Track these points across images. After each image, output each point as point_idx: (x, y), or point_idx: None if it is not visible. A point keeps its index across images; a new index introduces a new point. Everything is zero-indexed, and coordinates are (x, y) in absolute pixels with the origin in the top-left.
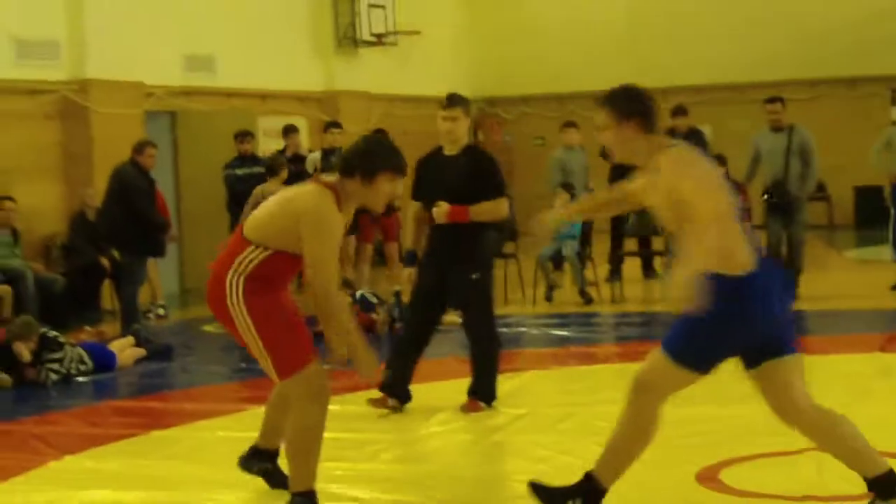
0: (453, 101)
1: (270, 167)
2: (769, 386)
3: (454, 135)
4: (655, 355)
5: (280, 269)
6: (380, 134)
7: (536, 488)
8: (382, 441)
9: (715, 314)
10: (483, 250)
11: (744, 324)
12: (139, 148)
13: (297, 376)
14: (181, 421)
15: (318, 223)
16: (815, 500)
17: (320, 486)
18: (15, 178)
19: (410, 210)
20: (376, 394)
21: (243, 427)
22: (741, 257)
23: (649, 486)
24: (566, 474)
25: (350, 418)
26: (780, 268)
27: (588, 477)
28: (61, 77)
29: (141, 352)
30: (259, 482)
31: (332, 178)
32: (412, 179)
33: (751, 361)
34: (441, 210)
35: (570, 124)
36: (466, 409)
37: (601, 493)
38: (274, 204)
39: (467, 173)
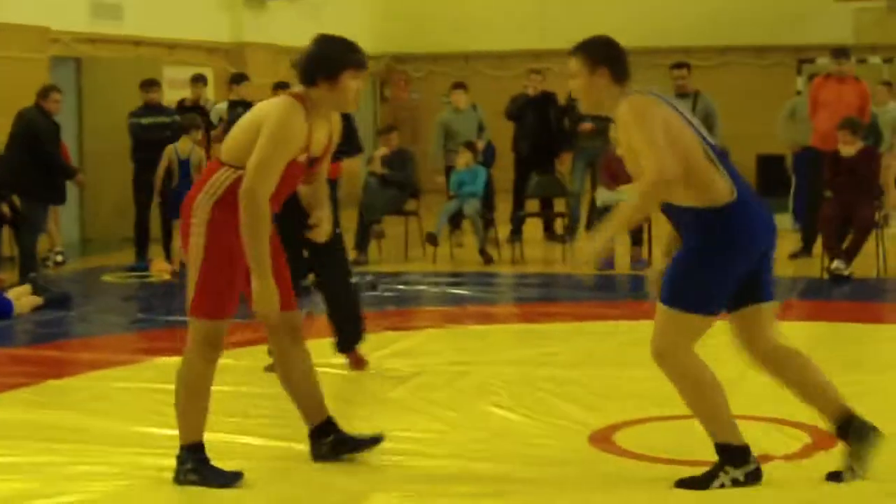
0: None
1: (183, 126)
2: (746, 328)
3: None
4: (659, 317)
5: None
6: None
7: (683, 483)
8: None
9: (707, 248)
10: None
11: (737, 252)
12: (44, 93)
13: (203, 323)
14: (78, 371)
15: (272, 127)
16: (704, 463)
17: (213, 437)
18: None
19: None
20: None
21: (141, 378)
22: (721, 188)
23: (542, 447)
24: (460, 431)
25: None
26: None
27: (722, 448)
28: None
29: (38, 300)
30: (153, 435)
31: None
32: None
33: (732, 304)
34: None
35: (458, 85)
36: (354, 366)
37: (741, 448)
38: (244, 120)
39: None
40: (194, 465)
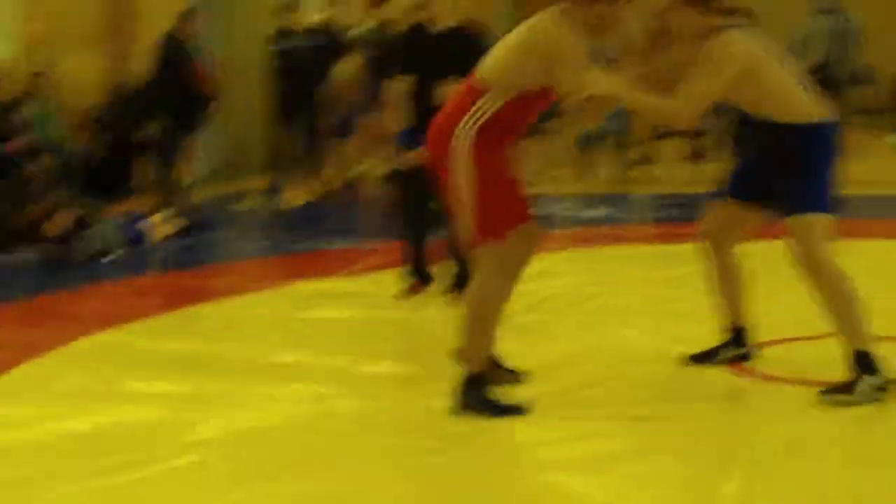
0: None
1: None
2: (736, 220)
3: (433, 8)
4: (798, 230)
5: (518, 116)
6: None
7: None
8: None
9: (819, 156)
10: None
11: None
12: (182, 17)
13: (495, 246)
14: (215, 296)
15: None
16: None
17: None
18: (58, 48)
19: (404, 85)
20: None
21: (280, 305)
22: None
23: (675, 371)
24: (593, 355)
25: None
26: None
27: (858, 355)
28: None
29: (176, 225)
30: (282, 360)
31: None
32: (397, 54)
33: (748, 194)
34: (441, 92)
35: None
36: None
37: (866, 355)
38: (512, 41)
39: (463, 50)
40: (477, 395)
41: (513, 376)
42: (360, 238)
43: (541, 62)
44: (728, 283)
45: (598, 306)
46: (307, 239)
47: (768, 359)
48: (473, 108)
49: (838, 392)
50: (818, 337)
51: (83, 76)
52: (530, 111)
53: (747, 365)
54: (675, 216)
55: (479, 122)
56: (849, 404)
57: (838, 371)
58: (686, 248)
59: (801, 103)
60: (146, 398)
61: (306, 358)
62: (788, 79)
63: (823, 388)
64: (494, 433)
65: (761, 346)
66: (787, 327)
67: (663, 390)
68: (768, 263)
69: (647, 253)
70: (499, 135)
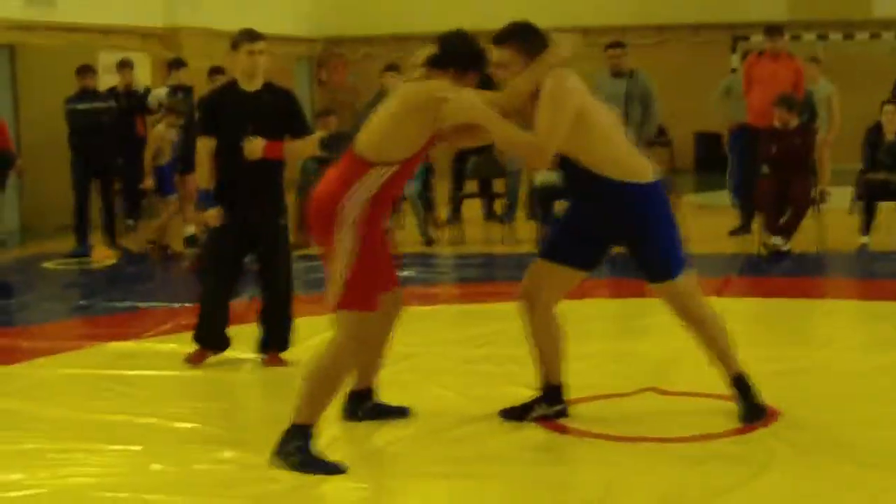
0: (258, 34)
1: (171, 108)
2: (559, 283)
3: (259, 68)
4: (667, 295)
5: (397, 185)
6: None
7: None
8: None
9: (662, 216)
10: (283, 193)
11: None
12: None
13: (354, 315)
14: (21, 358)
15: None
16: (646, 440)
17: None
18: None
19: (204, 147)
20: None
21: (85, 364)
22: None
23: (482, 425)
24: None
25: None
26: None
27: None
28: None
29: None
30: (96, 418)
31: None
32: (205, 113)
33: (572, 258)
34: (256, 146)
35: (390, 67)
36: (273, 363)
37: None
38: (385, 114)
39: (273, 110)
40: (299, 446)
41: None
42: (171, 298)
43: (428, 109)
44: (545, 342)
45: (412, 366)
46: (117, 300)
47: (581, 416)
48: (361, 181)
49: (750, 416)
50: (626, 394)
51: None
52: (410, 173)
53: (560, 421)
54: (478, 276)
55: (370, 194)
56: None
57: (646, 425)
58: (489, 308)
59: (638, 162)
60: None
61: (119, 417)
62: (617, 133)
63: (739, 417)
64: (307, 490)
65: (574, 402)
66: (598, 385)
67: (476, 448)
68: (577, 323)
69: (454, 312)
70: (381, 205)
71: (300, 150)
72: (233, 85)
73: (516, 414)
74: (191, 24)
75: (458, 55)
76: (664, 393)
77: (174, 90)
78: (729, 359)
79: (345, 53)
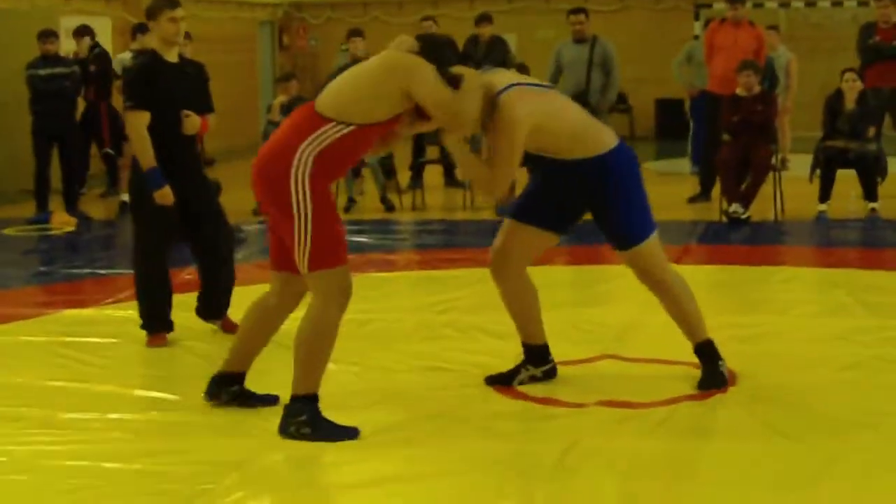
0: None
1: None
2: (528, 245)
3: (181, 36)
4: (633, 262)
5: (353, 149)
6: None
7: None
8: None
9: (627, 181)
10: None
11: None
12: None
13: (328, 272)
14: None
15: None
16: (605, 405)
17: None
18: None
19: (139, 121)
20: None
21: (45, 331)
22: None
23: (442, 393)
24: (361, 380)
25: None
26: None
27: (702, 346)
28: None
29: None
30: (53, 385)
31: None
32: (132, 86)
33: (540, 219)
34: (194, 121)
35: (355, 32)
36: (227, 329)
37: (710, 344)
38: (357, 75)
39: (198, 85)
40: (310, 416)
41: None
42: (130, 265)
43: (399, 82)
44: (520, 303)
45: (369, 333)
46: (77, 266)
47: (539, 383)
48: (314, 135)
49: (708, 383)
50: (585, 360)
51: None
52: (365, 145)
53: (518, 388)
54: (438, 242)
55: (319, 149)
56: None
57: (605, 392)
58: (450, 274)
59: (595, 136)
60: None
61: (76, 385)
62: (575, 116)
63: (698, 384)
64: (287, 451)
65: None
66: (556, 352)
67: (433, 416)
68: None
69: (414, 278)
70: (333, 167)
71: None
72: (157, 56)
73: (503, 380)
74: None
75: (439, 53)
76: (623, 359)
77: (138, 54)
78: (693, 325)
79: (307, 18)
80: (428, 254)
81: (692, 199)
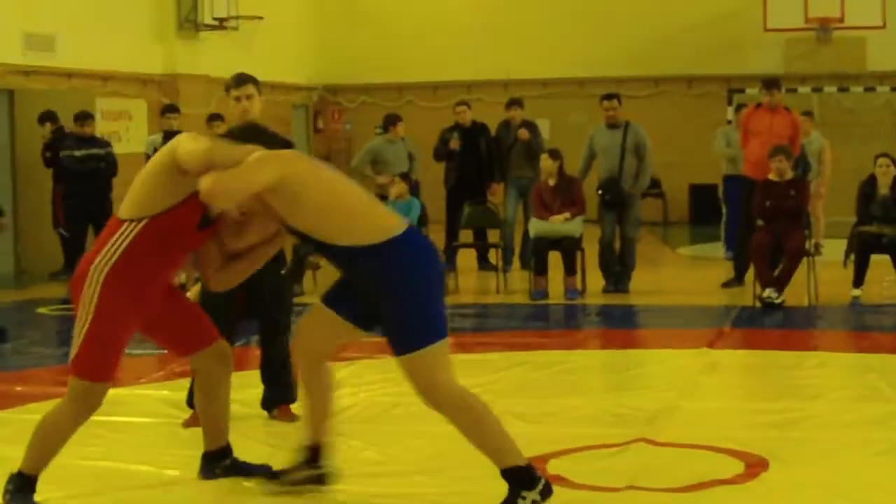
0: (244, 79)
1: None
2: (332, 336)
3: (251, 113)
4: (408, 371)
5: (161, 242)
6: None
7: None
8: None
9: (408, 275)
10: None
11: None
12: None
13: (83, 383)
14: (12, 403)
15: None
16: (638, 489)
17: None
18: None
19: None
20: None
21: None
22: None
23: (472, 477)
24: (394, 463)
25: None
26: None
27: (511, 472)
28: None
29: None
30: (86, 465)
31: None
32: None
33: (354, 315)
34: None
35: (396, 119)
36: (282, 418)
37: (528, 469)
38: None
39: None
40: (17, 490)
41: (260, 470)
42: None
43: (171, 154)
44: (315, 395)
45: (398, 416)
46: None
47: (572, 467)
48: (111, 242)
49: None
50: (617, 445)
51: None
52: (177, 234)
53: (552, 472)
54: (471, 326)
55: (117, 254)
56: None
57: (636, 476)
58: (482, 358)
59: (371, 223)
60: None
61: (109, 464)
62: (348, 196)
63: None
64: None
65: (566, 453)
66: (589, 436)
67: (461, 496)
68: (569, 373)
69: None
70: (143, 265)
71: None
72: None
73: (283, 475)
74: (189, 71)
75: (245, 132)
76: (656, 444)
77: (168, 136)
78: (495, 451)
79: (341, 102)
80: (460, 337)
81: (726, 284)
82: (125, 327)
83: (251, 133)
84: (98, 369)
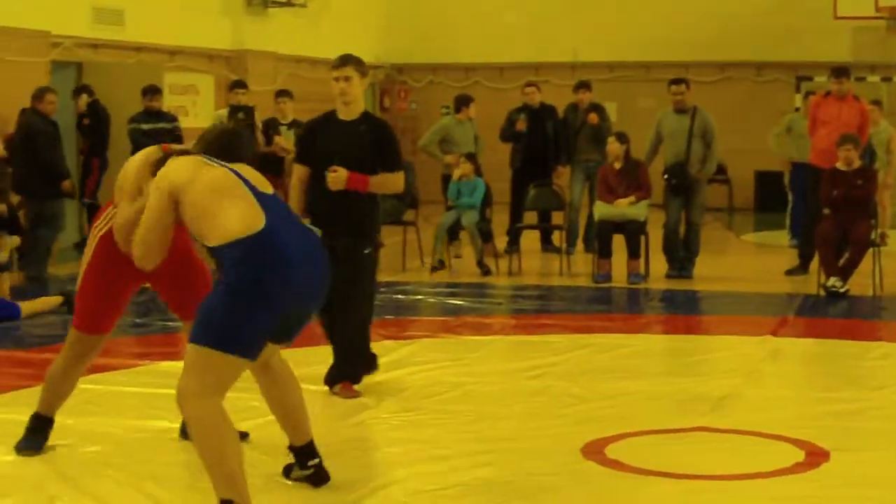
0: (345, 60)
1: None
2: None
3: (348, 95)
4: (185, 359)
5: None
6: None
7: None
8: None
9: (233, 278)
10: (375, 225)
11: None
12: (39, 95)
13: (74, 332)
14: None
15: None
16: (697, 477)
17: None
18: None
19: (296, 174)
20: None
21: (139, 382)
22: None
23: (532, 457)
24: (453, 443)
25: None
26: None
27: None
28: None
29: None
30: (149, 426)
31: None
32: (300, 142)
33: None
34: (339, 176)
35: (468, 100)
36: (343, 394)
37: None
38: None
39: (369, 142)
40: (32, 428)
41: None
42: None
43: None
44: (277, 400)
45: (463, 396)
46: (173, 319)
47: (631, 451)
48: (109, 209)
49: None
50: (677, 430)
51: None
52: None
53: (611, 456)
54: (533, 308)
55: (104, 230)
56: None
57: (695, 462)
58: (544, 340)
59: (230, 217)
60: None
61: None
62: (231, 192)
63: None
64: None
65: (625, 437)
66: (649, 420)
67: (523, 478)
68: (631, 358)
69: (508, 343)
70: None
71: (387, 184)
72: (331, 114)
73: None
74: (257, 47)
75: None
76: (717, 431)
77: (234, 110)
78: (217, 476)
79: (408, 81)
80: (523, 319)
81: (790, 272)
82: (115, 283)
83: (222, 144)
84: (87, 321)
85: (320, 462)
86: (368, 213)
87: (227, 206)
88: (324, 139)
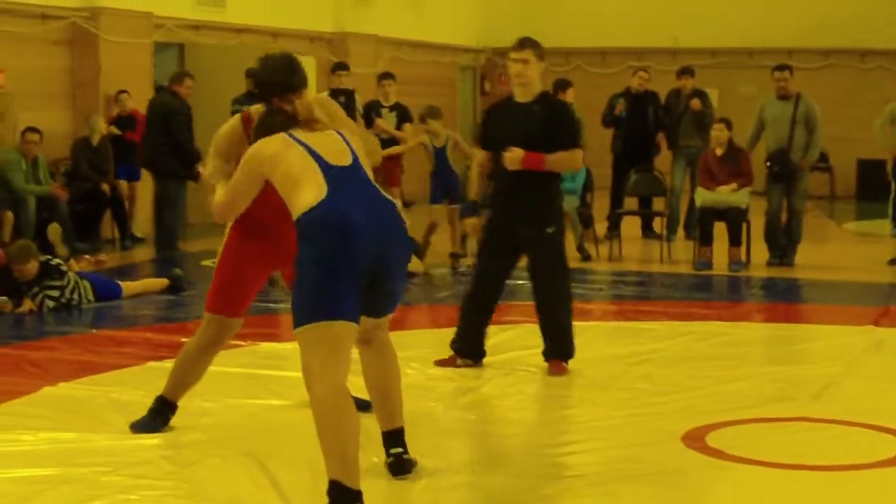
0: (524, 43)
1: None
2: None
3: (525, 77)
4: (298, 344)
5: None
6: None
7: None
8: None
9: (307, 251)
10: (557, 203)
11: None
12: (178, 78)
13: (207, 315)
14: (174, 355)
15: None
16: (797, 467)
17: None
18: (22, 102)
19: (476, 159)
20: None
21: (238, 363)
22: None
23: (633, 444)
24: (552, 427)
25: None
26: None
27: (330, 485)
28: (72, 3)
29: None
30: (251, 404)
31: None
32: (480, 128)
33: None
34: (515, 156)
35: (567, 84)
36: (553, 372)
37: (337, 487)
38: None
39: (543, 122)
40: (154, 411)
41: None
42: None
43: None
44: (374, 377)
45: (567, 381)
46: (273, 301)
47: (731, 439)
48: None
49: None
50: (779, 419)
51: (48, 129)
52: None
53: (710, 444)
54: (634, 294)
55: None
56: None
57: (796, 452)
58: (645, 326)
59: (299, 195)
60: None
61: (265, 416)
62: (291, 165)
63: None
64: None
65: (725, 425)
66: (751, 409)
67: (622, 464)
68: (733, 346)
69: (609, 329)
70: (251, 221)
71: (564, 161)
72: (509, 97)
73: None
74: (359, 30)
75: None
76: (818, 420)
77: (335, 93)
78: (331, 456)
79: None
80: (623, 305)
81: (893, 262)
82: (247, 270)
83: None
84: (219, 304)
85: (401, 453)
86: (548, 194)
87: (302, 183)
88: (500, 122)
